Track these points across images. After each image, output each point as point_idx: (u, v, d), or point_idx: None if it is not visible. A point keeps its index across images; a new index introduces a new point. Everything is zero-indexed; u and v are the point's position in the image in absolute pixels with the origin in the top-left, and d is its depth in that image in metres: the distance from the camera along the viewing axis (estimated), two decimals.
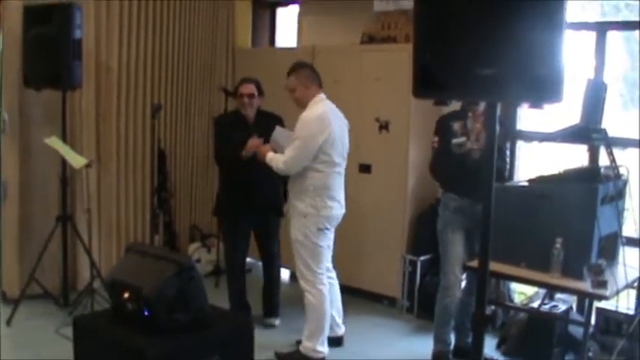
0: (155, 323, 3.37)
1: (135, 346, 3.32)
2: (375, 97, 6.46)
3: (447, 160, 4.86)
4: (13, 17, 5.96)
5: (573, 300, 5.51)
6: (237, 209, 5.77)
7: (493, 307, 5.82)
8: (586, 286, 4.08)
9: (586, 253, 4.18)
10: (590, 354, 4.94)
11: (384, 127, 6.39)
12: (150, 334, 3.36)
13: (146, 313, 3.39)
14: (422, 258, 6.23)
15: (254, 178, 5.55)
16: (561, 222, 4.25)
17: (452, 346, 5.24)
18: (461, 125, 4.84)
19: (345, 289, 6.69)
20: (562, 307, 5.07)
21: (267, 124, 5.49)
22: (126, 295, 3.47)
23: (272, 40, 8.63)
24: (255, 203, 5.72)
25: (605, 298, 4.06)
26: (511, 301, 6.05)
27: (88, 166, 5.72)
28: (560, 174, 4.52)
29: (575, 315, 5.34)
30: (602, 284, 4.02)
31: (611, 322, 5.21)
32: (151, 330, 3.37)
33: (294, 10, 8.15)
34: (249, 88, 5.73)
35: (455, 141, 4.76)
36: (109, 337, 3.54)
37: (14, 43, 5.97)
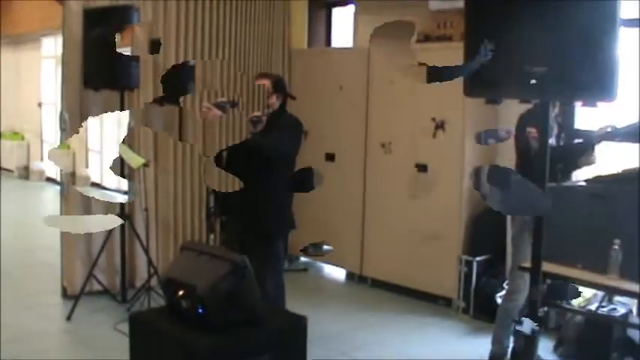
0: (208, 321, 3.41)
1: (188, 343, 3.37)
2: (431, 96, 6.40)
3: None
4: (73, 20, 6.11)
5: (633, 303, 5.41)
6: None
7: (546, 309, 5.73)
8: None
9: None
10: None
11: (439, 126, 6.37)
12: (203, 331, 3.40)
13: (200, 311, 3.43)
14: (478, 258, 6.19)
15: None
16: (619, 223, 4.14)
17: (509, 349, 5.21)
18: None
19: (401, 290, 6.75)
20: (621, 310, 4.97)
21: (281, 125, 5.03)
22: (180, 292, 3.52)
23: (328, 40, 8.64)
24: (233, 216, 5.20)
25: None
26: (568, 303, 5.96)
27: (145, 165, 5.85)
28: (618, 174, 4.45)
29: (634, 318, 5.24)
30: None
31: None
32: (204, 327, 3.41)
33: (350, 10, 8.17)
34: (262, 82, 5.14)
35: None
36: (163, 334, 3.61)
37: (75, 46, 6.11)
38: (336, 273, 7.71)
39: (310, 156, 7.42)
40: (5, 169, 15.28)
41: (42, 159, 14.76)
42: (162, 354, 3.59)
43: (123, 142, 6.05)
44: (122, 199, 6.44)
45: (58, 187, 13.27)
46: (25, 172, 14.84)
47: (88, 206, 6.37)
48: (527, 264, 4.76)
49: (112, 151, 13.26)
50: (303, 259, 7.85)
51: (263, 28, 7.65)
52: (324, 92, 7.42)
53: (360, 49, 7.33)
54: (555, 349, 5.46)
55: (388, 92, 6.83)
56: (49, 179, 14.32)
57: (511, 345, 5.21)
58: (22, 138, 15.34)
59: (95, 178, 14.15)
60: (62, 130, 6.27)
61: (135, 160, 5.80)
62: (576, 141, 5.09)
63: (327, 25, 8.64)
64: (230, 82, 7.34)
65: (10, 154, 15.17)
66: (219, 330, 3.42)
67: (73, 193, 6.30)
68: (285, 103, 5.14)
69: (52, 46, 14.06)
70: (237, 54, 7.37)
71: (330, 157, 7.45)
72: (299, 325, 3.75)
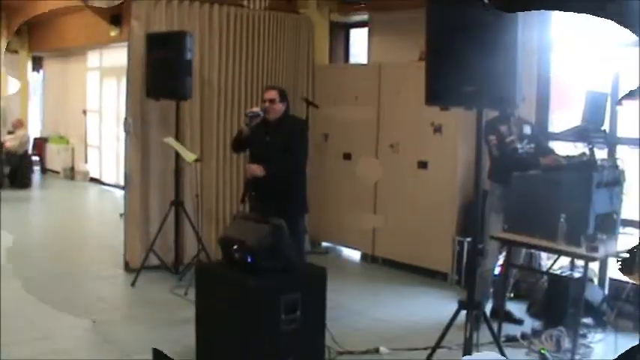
0: (255, 267, 4.66)
1: (241, 281, 4.63)
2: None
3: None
4: (138, 42, 7.46)
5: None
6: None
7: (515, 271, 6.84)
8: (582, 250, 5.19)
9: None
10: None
11: (437, 130, 7.59)
12: (251, 275, 4.64)
13: (249, 260, 4.69)
14: (468, 239, 7.39)
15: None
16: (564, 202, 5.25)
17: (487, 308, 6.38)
18: (507, 127, 6.12)
19: (406, 267, 7.97)
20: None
21: (286, 127, 6.16)
22: (234, 247, 4.81)
23: (346, 57, 9.94)
24: (264, 199, 6.16)
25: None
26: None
27: (198, 160, 7.18)
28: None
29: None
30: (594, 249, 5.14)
31: None
32: (253, 272, 4.66)
33: (365, 31, 9.43)
34: (271, 94, 6.19)
35: (508, 140, 6.03)
36: (222, 276, 4.93)
37: (138, 63, 7.46)
38: (353, 254, 9.01)
39: (330, 156, 8.76)
40: (51, 170, 16.65)
41: (86, 161, 16.10)
42: (222, 292, 4.88)
43: (176, 139, 7.33)
44: (120, 194, 7.62)
45: (100, 187, 14.80)
46: (71, 173, 16.14)
47: (147, 193, 7.73)
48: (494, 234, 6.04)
49: (111, 147, 14.63)
50: (324, 243, 9.16)
51: (291, 47, 8.87)
52: (342, 101, 8.68)
53: (372, 65, 8.62)
54: (528, 309, 6.68)
55: (396, 101, 8.01)
56: (93, 179, 15.67)
57: (490, 304, 6.44)
58: (67, 142, 16.66)
59: (94, 174, 15.53)
60: (127, 132, 7.59)
61: (189, 156, 7.12)
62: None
63: (346, 45, 9.96)
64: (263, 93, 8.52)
65: (56, 157, 16.53)
66: (263, 273, 4.66)
67: (135, 182, 7.64)
68: (288, 109, 6.33)
69: (97, 59, 15.36)
70: (269, 69, 8.59)
71: (347, 157, 8.69)
72: (321, 273, 5.03)
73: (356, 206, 8.57)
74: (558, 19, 7.21)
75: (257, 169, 6.07)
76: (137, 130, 7.61)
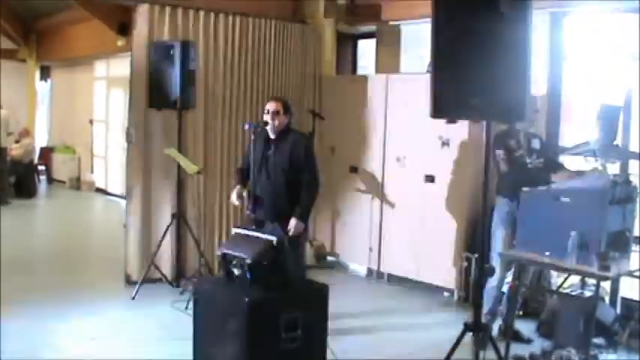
0: (255, 282, 4.53)
1: (239, 297, 4.47)
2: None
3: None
4: (141, 51, 7.34)
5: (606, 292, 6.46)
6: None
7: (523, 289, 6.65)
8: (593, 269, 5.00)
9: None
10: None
11: (445, 143, 7.42)
12: (251, 290, 4.51)
13: (248, 276, 4.57)
14: (476, 255, 7.22)
15: (262, 188, 6.00)
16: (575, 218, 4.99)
17: (494, 324, 6.21)
18: (515, 141, 5.97)
19: (412, 283, 7.80)
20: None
21: (289, 141, 5.95)
22: (234, 262, 4.67)
23: (354, 68, 9.80)
24: (264, 213, 6.04)
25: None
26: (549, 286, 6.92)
27: (199, 172, 7.04)
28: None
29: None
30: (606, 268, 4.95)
31: None
32: (252, 287, 4.53)
33: (373, 42, 9.31)
34: (273, 106, 5.96)
35: (517, 154, 5.88)
36: (221, 292, 4.80)
37: (141, 72, 7.32)
38: (358, 269, 8.83)
39: (336, 169, 8.60)
40: (57, 180, 16.56)
41: (92, 171, 16.00)
42: (220, 308, 4.73)
43: (179, 150, 7.19)
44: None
45: (106, 197, 14.71)
46: (77, 183, 16.04)
47: (148, 205, 7.59)
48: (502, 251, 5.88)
49: (117, 157, 14.50)
50: (330, 258, 8.99)
51: (297, 58, 8.72)
52: (349, 114, 8.53)
53: (380, 76, 8.44)
54: (537, 329, 6.50)
55: (403, 113, 7.86)
56: (99, 189, 15.57)
57: (498, 321, 6.27)
58: (74, 152, 16.57)
59: (100, 184, 15.46)
60: (129, 142, 7.46)
61: (191, 168, 6.98)
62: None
63: (353, 55, 9.82)
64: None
65: (63, 166, 16.45)
66: (263, 290, 4.53)
67: (136, 194, 7.51)
68: (290, 121, 6.12)
69: (104, 69, 15.30)
70: (275, 80, 8.46)
71: (354, 170, 8.53)
72: (322, 290, 4.88)
73: (362, 220, 8.41)
74: (570, 28, 7.08)
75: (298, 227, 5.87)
76: (139, 140, 7.47)
